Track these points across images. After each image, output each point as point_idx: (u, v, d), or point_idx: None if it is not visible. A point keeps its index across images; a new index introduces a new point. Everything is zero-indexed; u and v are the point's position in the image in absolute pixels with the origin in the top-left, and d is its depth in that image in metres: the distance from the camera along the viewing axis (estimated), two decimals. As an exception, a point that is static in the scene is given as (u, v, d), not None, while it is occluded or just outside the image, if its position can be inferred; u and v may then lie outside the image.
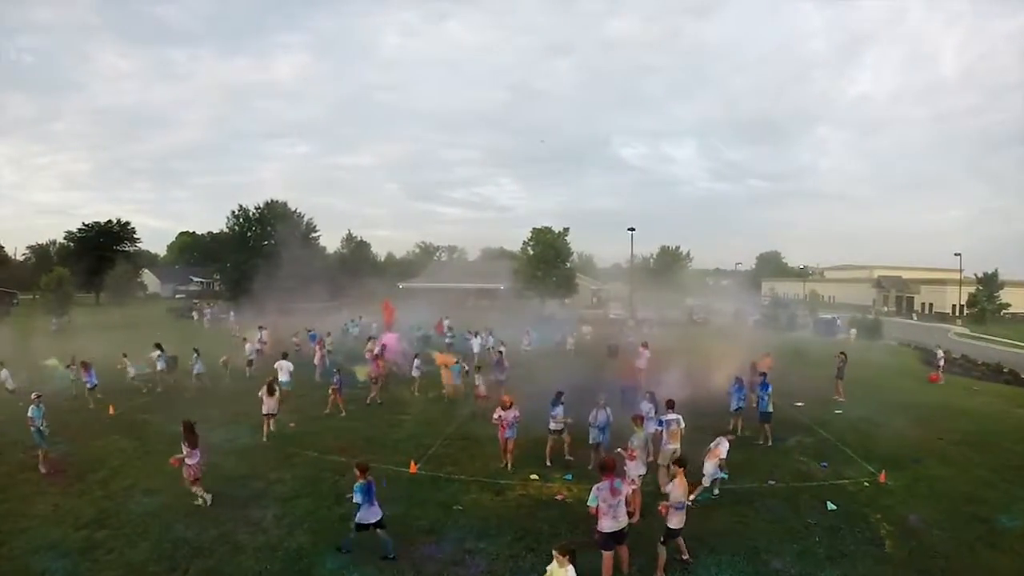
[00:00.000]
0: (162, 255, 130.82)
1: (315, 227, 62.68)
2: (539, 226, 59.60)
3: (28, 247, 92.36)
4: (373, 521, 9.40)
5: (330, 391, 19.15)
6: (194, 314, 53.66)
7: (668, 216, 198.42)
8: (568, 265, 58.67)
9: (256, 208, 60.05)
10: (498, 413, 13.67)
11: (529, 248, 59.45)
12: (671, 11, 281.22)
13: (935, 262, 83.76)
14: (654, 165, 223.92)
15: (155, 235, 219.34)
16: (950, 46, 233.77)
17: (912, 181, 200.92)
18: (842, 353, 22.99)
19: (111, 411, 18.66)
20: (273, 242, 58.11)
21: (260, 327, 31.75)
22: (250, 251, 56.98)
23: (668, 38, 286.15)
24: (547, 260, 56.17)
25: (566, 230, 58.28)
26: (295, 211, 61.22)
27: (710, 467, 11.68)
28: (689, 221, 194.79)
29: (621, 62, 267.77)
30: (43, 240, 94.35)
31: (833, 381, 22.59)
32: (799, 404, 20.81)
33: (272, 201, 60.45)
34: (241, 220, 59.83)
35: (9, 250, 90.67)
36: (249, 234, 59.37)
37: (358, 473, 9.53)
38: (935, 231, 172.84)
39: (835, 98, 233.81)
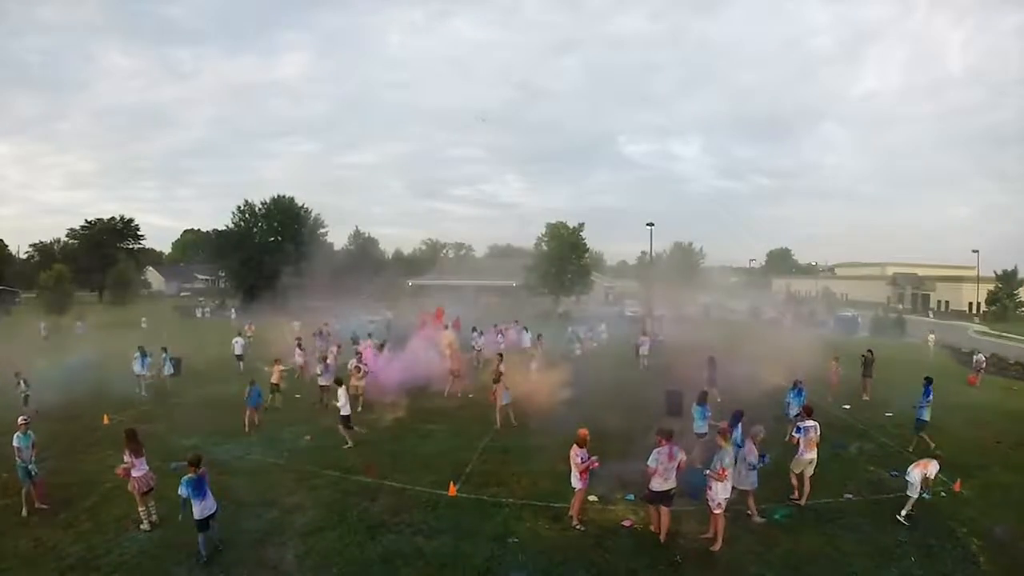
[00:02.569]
0: (167, 253, 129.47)
1: (323, 223, 60.97)
2: (553, 221, 57.67)
3: (31, 245, 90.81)
4: (211, 513, 9.04)
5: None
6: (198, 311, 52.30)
7: (674, 213, 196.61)
8: (584, 262, 56.58)
9: (262, 203, 58.30)
10: (578, 453, 10.12)
11: (543, 244, 57.44)
12: (677, 8, 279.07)
13: (945, 259, 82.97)
14: (660, 162, 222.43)
15: (161, 233, 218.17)
16: (956, 42, 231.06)
17: (920, 178, 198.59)
18: (869, 351, 22.19)
19: (105, 421, 16.87)
20: (280, 238, 56.32)
21: (325, 323, 30.81)
22: (256, 247, 55.15)
23: (674, 35, 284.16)
24: (562, 256, 54.11)
25: (581, 225, 56.22)
26: (302, 206, 59.44)
27: (916, 476, 10.95)
28: (695, 218, 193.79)
29: (627, 59, 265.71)
30: (48, 239, 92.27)
31: (860, 380, 21.69)
32: (846, 407, 20.03)
33: (279, 196, 58.57)
34: (247, 216, 57.99)
35: (13, 249, 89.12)
36: (255, 230, 57.56)
37: (190, 468, 9.10)
38: (945, 228, 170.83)
39: (841, 95, 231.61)
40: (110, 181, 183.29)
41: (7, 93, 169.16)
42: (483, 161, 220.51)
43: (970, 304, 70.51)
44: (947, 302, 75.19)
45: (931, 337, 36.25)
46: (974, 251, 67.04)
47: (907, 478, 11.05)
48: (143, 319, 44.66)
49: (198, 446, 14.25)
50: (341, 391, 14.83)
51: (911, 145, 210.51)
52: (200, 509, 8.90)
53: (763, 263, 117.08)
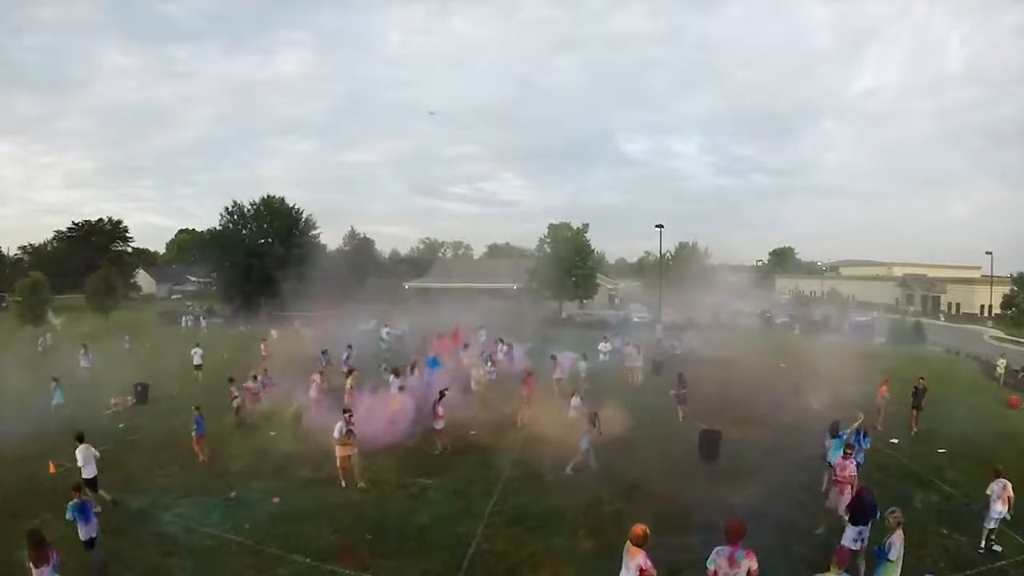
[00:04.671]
0: (162, 253, 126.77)
1: (315, 224, 58.49)
2: (555, 222, 55.39)
3: (20, 247, 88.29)
4: (93, 536, 9.72)
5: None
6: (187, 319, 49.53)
7: (674, 211, 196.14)
8: (589, 264, 54.13)
9: (252, 204, 55.72)
10: (645, 558, 7.55)
11: (546, 246, 54.99)
12: (676, 6, 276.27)
13: (949, 257, 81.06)
14: (659, 160, 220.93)
15: (161, 233, 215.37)
16: (955, 40, 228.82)
17: (920, 176, 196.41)
18: (921, 379, 19.06)
19: (51, 469, 14.32)
20: (270, 240, 53.84)
21: (348, 346, 26.39)
22: (245, 250, 52.68)
23: (673, 33, 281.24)
24: (566, 258, 51.73)
25: (586, 226, 53.82)
26: (293, 207, 56.89)
27: (997, 508, 10.58)
28: (696, 216, 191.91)
29: (626, 57, 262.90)
30: (43, 240, 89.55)
31: (908, 409, 18.96)
32: (894, 441, 17.48)
33: (269, 197, 56.02)
34: (236, 217, 55.47)
35: (4, 249, 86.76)
36: (245, 232, 55.05)
37: (74, 493, 9.93)
38: (947, 226, 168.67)
39: (840, 92, 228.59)
40: (109, 180, 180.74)
41: (6, 92, 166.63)
42: (482, 159, 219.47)
43: (982, 307, 68.42)
44: (958, 304, 72.94)
45: (1001, 362, 29.49)
46: (988, 253, 65.27)
47: (992, 515, 10.69)
48: (41, 337, 36.21)
49: (146, 510, 12.00)
50: (80, 449, 12.12)
51: (912, 142, 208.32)
52: (85, 531, 9.60)
53: (766, 262, 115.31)
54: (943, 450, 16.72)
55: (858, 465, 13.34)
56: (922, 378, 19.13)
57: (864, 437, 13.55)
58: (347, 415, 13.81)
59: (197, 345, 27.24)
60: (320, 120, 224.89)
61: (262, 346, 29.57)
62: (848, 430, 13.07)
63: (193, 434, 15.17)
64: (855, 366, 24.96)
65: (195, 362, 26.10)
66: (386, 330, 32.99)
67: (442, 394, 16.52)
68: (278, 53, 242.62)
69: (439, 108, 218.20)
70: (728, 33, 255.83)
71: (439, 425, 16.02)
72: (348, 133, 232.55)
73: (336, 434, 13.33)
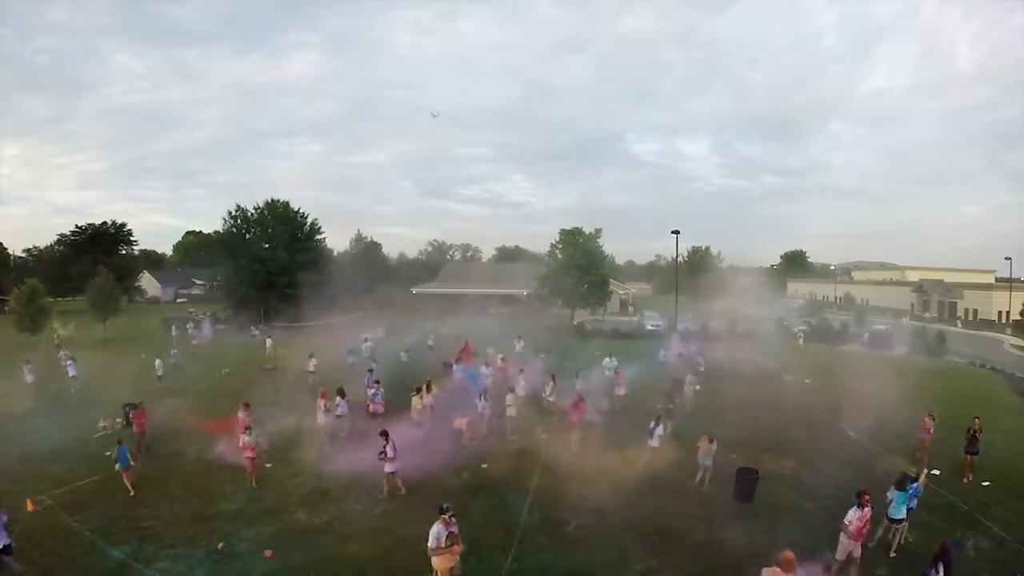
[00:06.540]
0: (170, 255, 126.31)
1: (320, 228, 57.36)
2: (567, 227, 54.01)
3: (24, 250, 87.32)
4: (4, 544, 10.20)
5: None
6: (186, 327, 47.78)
7: (684, 213, 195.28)
8: (602, 271, 52.81)
9: (255, 208, 54.55)
10: None
11: (557, 252, 53.71)
12: (685, 7, 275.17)
13: (960, 259, 79.55)
14: (668, 161, 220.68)
15: (171, 233, 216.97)
16: (966, 39, 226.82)
17: (931, 177, 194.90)
18: (976, 419, 16.77)
19: (29, 507, 13.22)
20: (274, 245, 52.75)
21: (369, 370, 22.89)
22: (249, 256, 51.64)
23: (682, 34, 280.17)
24: (579, 265, 50.45)
25: (598, 231, 52.47)
26: (298, 211, 55.73)
27: None
28: (705, 218, 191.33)
29: (635, 58, 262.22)
30: (50, 242, 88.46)
31: (948, 433, 17.46)
32: (935, 472, 15.97)
33: (272, 201, 54.91)
34: (239, 221, 54.28)
35: (12, 252, 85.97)
36: (248, 237, 53.98)
37: None
38: (959, 228, 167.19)
39: (849, 93, 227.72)
40: (120, 181, 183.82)
41: (18, 95, 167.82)
42: (491, 160, 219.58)
43: (1000, 313, 66.75)
44: (975, 311, 71.23)
45: None
46: (1007, 258, 63.62)
47: None
48: (63, 353, 30.54)
49: (126, 562, 10.86)
50: None
51: (923, 143, 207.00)
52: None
53: (777, 265, 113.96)
54: (988, 483, 15.48)
55: (909, 511, 12.25)
56: (977, 418, 16.93)
57: (913, 481, 12.30)
58: (446, 514, 9.59)
59: (158, 357, 26.55)
60: (329, 122, 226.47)
61: (311, 363, 26.28)
62: (915, 484, 11.91)
63: (117, 467, 14.43)
64: (884, 382, 23.48)
65: (158, 373, 25.37)
66: (368, 344, 31.80)
67: (385, 434, 14.20)
68: (287, 55, 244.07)
69: (447, 109, 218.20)
70: (737, 34, 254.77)
71: (389, 468, 13.92)
72: (357, 134, 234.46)
73: (433, 543, 9.40)
